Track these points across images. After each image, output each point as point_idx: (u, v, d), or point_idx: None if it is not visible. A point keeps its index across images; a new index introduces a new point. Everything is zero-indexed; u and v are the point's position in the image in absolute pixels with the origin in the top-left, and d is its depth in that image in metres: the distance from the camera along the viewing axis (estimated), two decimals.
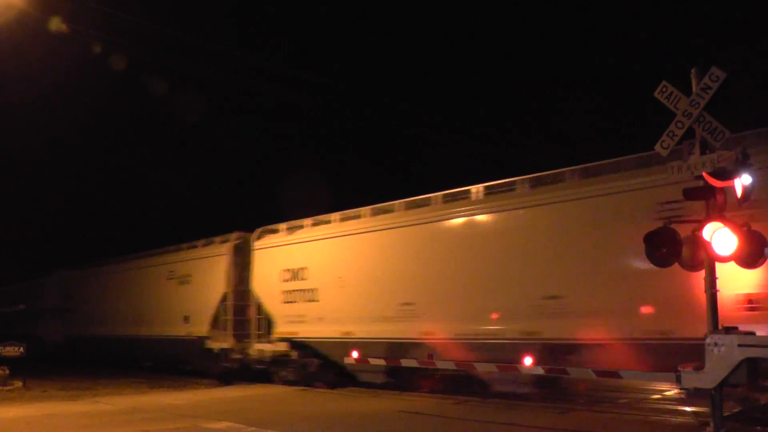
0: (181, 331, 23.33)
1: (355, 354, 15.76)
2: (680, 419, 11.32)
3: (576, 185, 13.43)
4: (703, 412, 10.68)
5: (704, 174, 9.26)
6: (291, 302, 19.02)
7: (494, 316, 14.16)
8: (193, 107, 35.01)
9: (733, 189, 9.13)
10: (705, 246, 9.06)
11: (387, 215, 17.14)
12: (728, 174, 9.09)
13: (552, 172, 14.07)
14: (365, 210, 17.82)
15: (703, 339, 9.13)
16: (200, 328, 22.25)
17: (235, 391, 18.19)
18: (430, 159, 43.02)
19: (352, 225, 17.89)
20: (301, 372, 18.97)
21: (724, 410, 9.13)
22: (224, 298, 21.46)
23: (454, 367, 14.09)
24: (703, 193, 9.34)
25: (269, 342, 19.82)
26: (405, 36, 52.98)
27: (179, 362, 24.38)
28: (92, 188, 51.90)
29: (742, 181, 9.10)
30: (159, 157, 50.03)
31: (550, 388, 13.75)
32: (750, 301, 10.39)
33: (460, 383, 15.30)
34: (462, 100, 48.34)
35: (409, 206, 16.63)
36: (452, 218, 15.51)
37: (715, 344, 8.89)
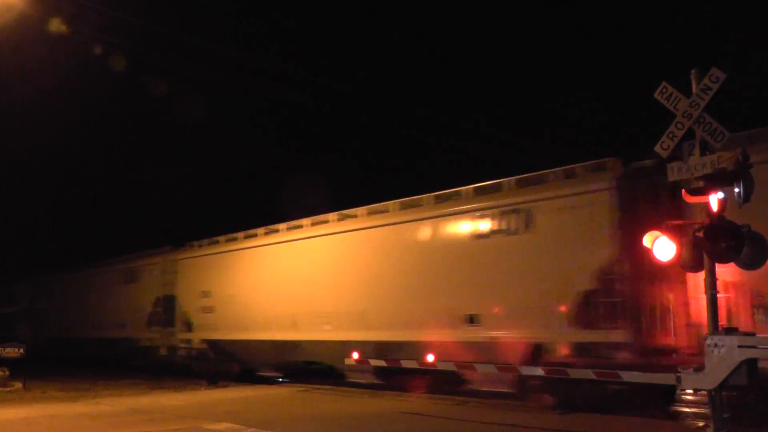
0: (123, 332, 26.75)
1: (355, 355, 16.04)
2: (680, 420, 11.33)
3: (397, 215, 16.90)
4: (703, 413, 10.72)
5: (704, 175, 9.26)
6: (206, 306, 22.40)
7: (328, 323, 17.69)
8: (193, 108, 34.99)
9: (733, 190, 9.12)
10: (705, 247, 9.06)
11: (274, 234, 20.75)
12: (728, 175, 9.09)
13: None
14: (260, 230, 21.18)
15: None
16: (137, 329, 25.78)
17: (235, 392, 18.20)
18: (430, 159, 43.00)
19: (251, 242, 21.33)
20: (211, 366, 22.02)
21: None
22: (156, 303, 24.81)
23: (455, 368, 14.18)
24: (704, 194, 9.33)
25: (189, 341, 23.33)
26: (404, 35, 53.07)
27: (123, 359, 26.90)
28: (90, 190, 51.67)
29: (742, 182, 9.09)
30: (158, 158, 49.89)
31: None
32: None
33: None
34: (460, 100, 48.38)
35: (290, 228, 20.13)
36: (294, 240, 19.47)
37: (715, 345, 8.89)
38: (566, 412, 12.54)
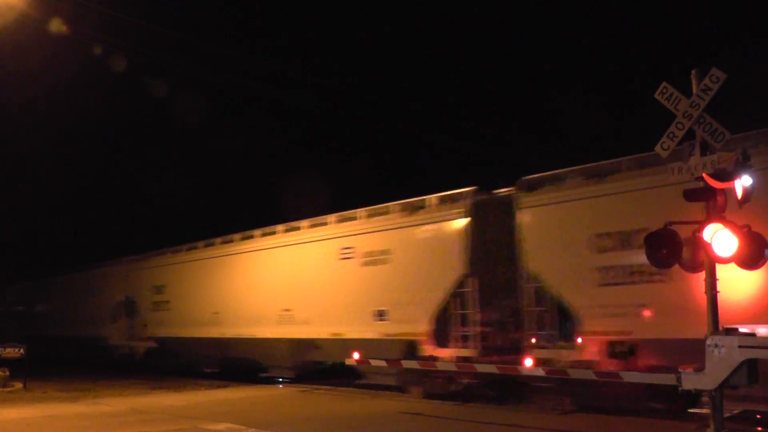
0: (91, 330, 29.90)
1: (356, 355, 16.13)
2: (680, 420, 11.32)
3: (261, 241, 21.10)
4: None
5: (704, 175, 9.25)
6: (156, 310, 25.81)
7: (257, 322, 20.50)
8: (193, 108, 34.97)
9: (733, 190, 9.12)
10: (705, 247, 9.05)
11: (194, 251, 24.55)
12: (728, 175, 9.08)
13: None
14: (201, 243, 24.37)
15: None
16: (103, 329, 28.80)
17: (236, 392, 18.22)
18: (429, 160, 42.99)
19: (190, 255, 24.64)
20: (163, 361, 25.15)
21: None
22: (119, 305, 27.89)
23: (455, 369, 14.22)
24: (704, 195, 9.32)
25: (144, 339, 26.34)
26: (403, 34, 53.05)
27: (94, 356, 29.66)
28: (89, 192, 51.49)
29: (743, 183, 9.09)
30: (158, 158, 49.81)
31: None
32: None
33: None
34: (461, 100, 48.35)
35: (207, 244, 23.96)
36: (225, 255, 22.80)
37: (716, 345, 8.88)
38: (566, 412, 12.55)
